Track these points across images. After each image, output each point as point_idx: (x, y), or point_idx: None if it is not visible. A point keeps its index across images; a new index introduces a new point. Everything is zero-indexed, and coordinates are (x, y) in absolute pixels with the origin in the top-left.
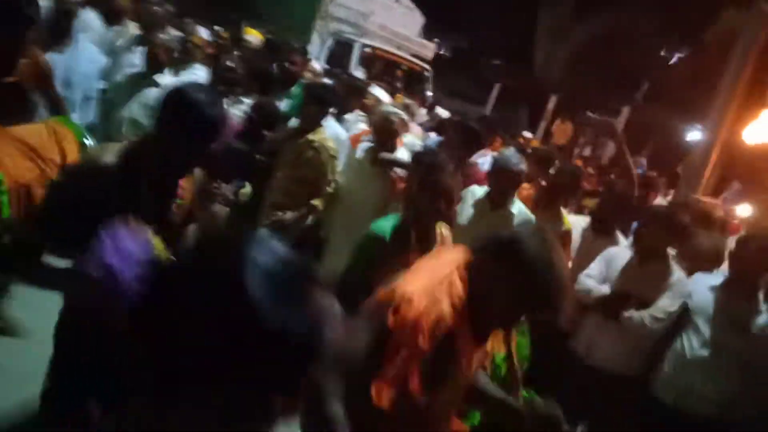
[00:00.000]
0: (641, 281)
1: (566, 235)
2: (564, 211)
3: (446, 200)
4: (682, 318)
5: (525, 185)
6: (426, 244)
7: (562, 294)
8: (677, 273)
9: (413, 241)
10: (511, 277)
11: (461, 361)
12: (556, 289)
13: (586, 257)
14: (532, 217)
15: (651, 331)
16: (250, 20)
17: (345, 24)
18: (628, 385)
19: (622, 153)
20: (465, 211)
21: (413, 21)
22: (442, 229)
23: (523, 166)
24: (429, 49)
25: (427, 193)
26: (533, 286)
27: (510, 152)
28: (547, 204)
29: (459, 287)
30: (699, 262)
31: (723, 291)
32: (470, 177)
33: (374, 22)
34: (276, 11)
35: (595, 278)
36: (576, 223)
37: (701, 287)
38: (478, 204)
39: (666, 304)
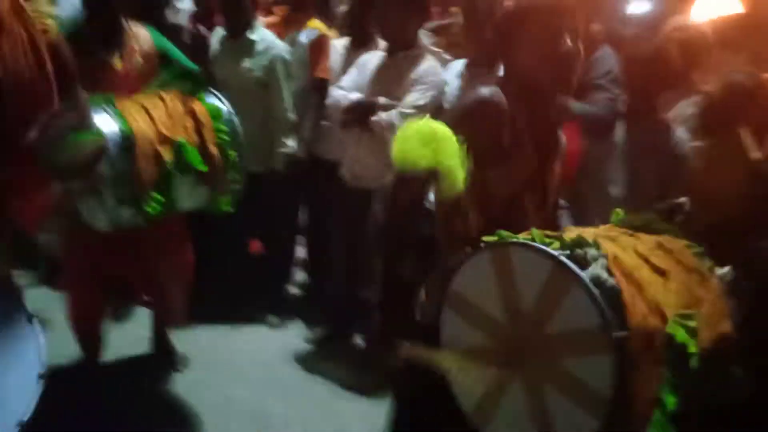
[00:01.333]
0: (391, 79)
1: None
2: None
3: None
4: (439, 113)
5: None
6: None
7: None
8: (427, 63)
9: None
10: None
11: None
12: None
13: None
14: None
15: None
16: None
17: None
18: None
19: None
20: None
21: None
22: None
23: None
24: None
25: None
26: None
27: None
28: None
29: None
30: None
31: (466, 72)
32: None
33: None
34: None
35: (348, 89)
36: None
37: (453, 74)
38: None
39: (414, 97)
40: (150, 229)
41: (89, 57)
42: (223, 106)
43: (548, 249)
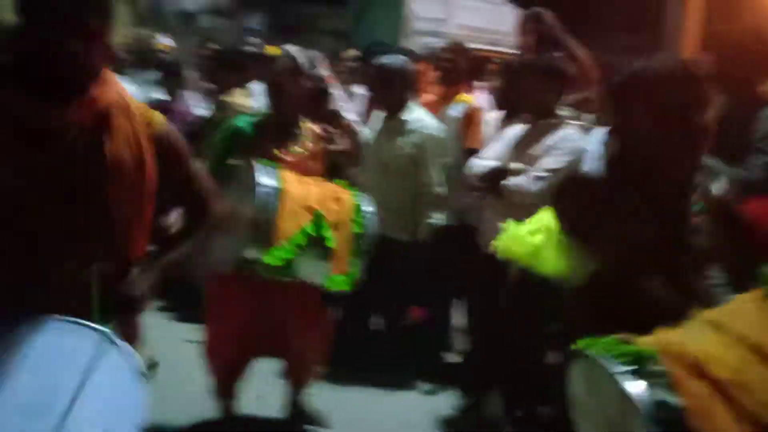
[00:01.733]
0: (528, 146)
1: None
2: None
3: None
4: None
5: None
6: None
7: None
8: (565, 130)
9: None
10: None
11: None
12: None
13: None
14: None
15: (534, 194)
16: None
17: (425, 35)
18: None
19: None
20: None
21: (502, 14)
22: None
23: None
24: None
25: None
26: None
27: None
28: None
29: None
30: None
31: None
32: None
33: (454, 25)
34: (361, 32)
35: (487, 159)
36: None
37: (595, 141)
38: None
39: (549, 162)
40: (287, 294)
41: (267, 146)
42: (367, 204)
43: (609, 366)
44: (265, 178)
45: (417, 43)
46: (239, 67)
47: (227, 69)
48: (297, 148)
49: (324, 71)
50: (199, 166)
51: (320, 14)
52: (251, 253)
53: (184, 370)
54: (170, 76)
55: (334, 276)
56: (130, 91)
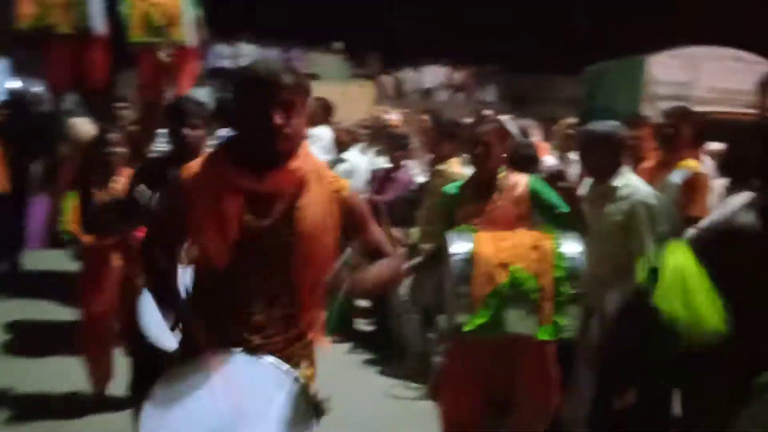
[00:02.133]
0: None
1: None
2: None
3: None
4: None
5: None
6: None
7: None
8: None
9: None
10: None
11: None
12: None
13: None
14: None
15: None
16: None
17: (667, 100)
18: None
19: None
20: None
21: (755, 74)
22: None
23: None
24: None
25: None
26: None
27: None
28: None
29: None
30: None
31: None
32: None
33: (701, 87)
34: (598, 99)
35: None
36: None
37: None
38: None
39: None
40: (513, 350)
41: (471, 202)
42: (574, 245)
43: None
44: (458, 245)
45: (657, 108)
46: (455, 136)
47: (445, 138)
48: (496, 201)
49: (536, 138)
50: (380, 229)
51: (555, 82)
52: (460, 319)
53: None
54: (397, 147)
55: (544, 326)
56: (360, 161)
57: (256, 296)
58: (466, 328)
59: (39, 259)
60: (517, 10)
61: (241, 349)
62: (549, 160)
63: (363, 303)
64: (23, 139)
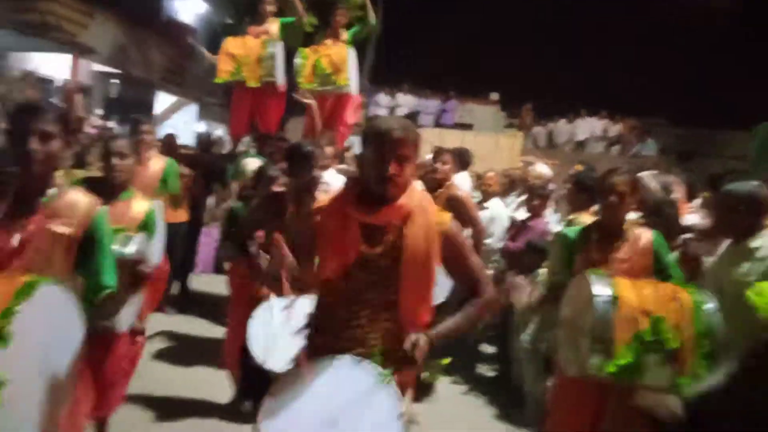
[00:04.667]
0: None
1: None
2: None
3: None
4: None
5: None
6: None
7: None
8: None
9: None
10: None
11: None
12: None
13: None
14: None
15: None
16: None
17: None
18: None
19: None
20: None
21: None
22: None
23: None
24: None
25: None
26: None
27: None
28: None
29: None
30: None
31: None
32: None
33: None
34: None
35: None
36: None
37: None
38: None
39: None
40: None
41: (593, 249)
42: (709, 301)
43: None
44: (601, 287)
45: None
46: (591, 188)
47: (581, 190)
48: (621, 253)
49: (678, 195)
50: (480, 265)
51: (724, 138)
52: (595, 361)
53: None
54: (535, 197)
55: (681, 378)
56: (500, 209)
57: (363, 312)
58: (609, 370)
59: (206, 282)
60: (687, 62)
61: (345, 356)
62: (691, 218)
63: (487, 348)
64: (204, 176)
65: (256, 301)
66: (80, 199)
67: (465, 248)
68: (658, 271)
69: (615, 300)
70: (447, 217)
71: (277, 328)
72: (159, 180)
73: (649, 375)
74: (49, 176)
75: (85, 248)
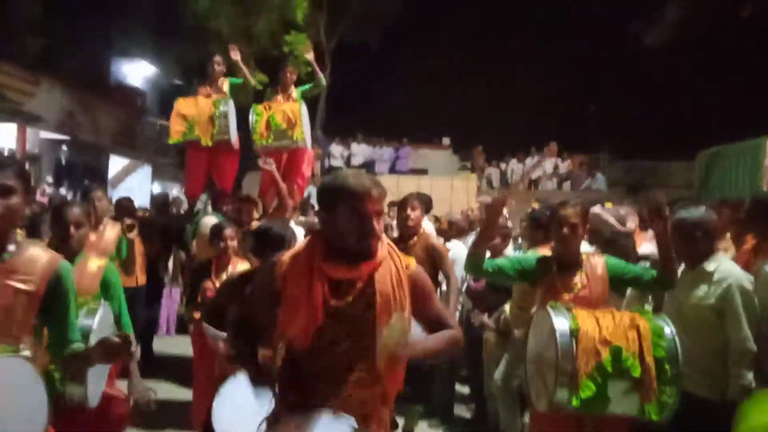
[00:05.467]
0: None
1: None
2: None
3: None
4: None
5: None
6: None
7: None
8: None
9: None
10: None
11: None
12: None
13: None
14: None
15: None
16: None
17: None
18: None
19: None
20: None
21: None
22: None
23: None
24: None
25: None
26: None
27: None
28: None
29: None
30: None
31: None
32: None
33: None
34: (712, 184)
35: None
36: None
37: None
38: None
39: None
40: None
41: (552, 279)
42: (667, 326)
43: None
44: (561, 320)
45: None
46: (546, 224)
47: (536, 226)
48: (579, 282)
49: (633, 226)
50: (443, 306)
51: (670, 168)
52: (561, 394)
53: None
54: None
55: (646, 406)
56: (461, 251)
57: (336, 364)
58: (573, 404)
59: (168, 344)
60: (628, 96)
61: (322, 410)
62: (647, 247)
63: (462, 389)
64: (161, 237)
65: (221, 361)
66: (41, 255)
67: (431, 292)
68: (626, 282)
69: (575, 333)
70: (412, 262)
71: (244, 406)
72: (114, 246)
73: (615, 404)
74: (8, 233)
75: (48, 304)
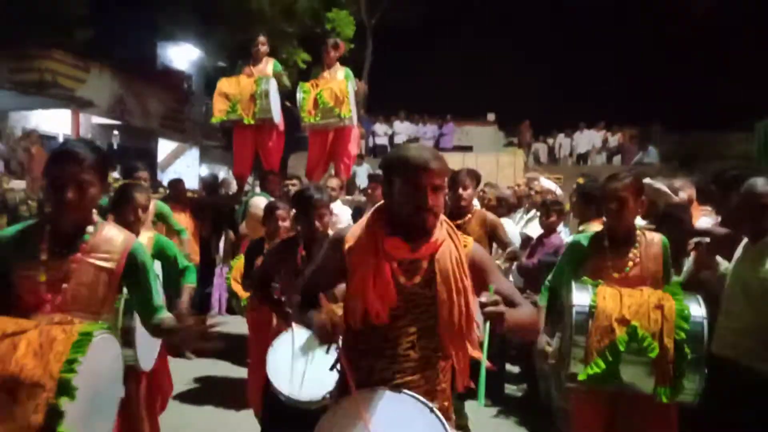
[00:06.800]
0: None
1: None
2: None
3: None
4: None
5: None
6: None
7: None
8: None
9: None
10: None
11: None
12: None
13: None
14: None
15: None
16: None
17: None
18: None
19: None
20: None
21: None
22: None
23: None
24: None
25: None
26: None
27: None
28: None
29: None
30: None
31: None
32: None
33: None
34: None
35: None
36: None
37: None
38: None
39: None
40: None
41: (604, 256)
42: (699, 308)
43: None
44: (581, 296)
45: None
46: (596, 198)
47: (587, 201)
48: (632, 261)
49: (685, 196)
50: (508, 283)
51: (723, 139)
52: (575, 368)
53: None
54: (552, 214)
55: (660, 387)
56: (511, 229)
57: (401, 341)
58: (580, 378)
59: (222, 323)
60: (679, 66)
61: (386, 386)
62: (704, 221)
63: (512, 368)
64: (212, 218)
65: (275, 336)
66: (117, 234)
67: (494, 268)
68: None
69: (592, 309)
70: (470, 240)
71: (299, 359)
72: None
73: (629, 380)
74: (86, 217)
75: (130, 279)
